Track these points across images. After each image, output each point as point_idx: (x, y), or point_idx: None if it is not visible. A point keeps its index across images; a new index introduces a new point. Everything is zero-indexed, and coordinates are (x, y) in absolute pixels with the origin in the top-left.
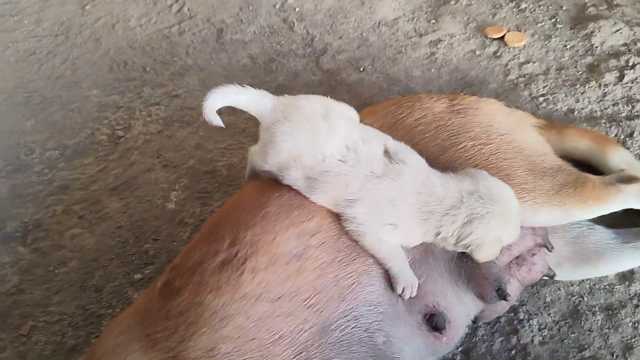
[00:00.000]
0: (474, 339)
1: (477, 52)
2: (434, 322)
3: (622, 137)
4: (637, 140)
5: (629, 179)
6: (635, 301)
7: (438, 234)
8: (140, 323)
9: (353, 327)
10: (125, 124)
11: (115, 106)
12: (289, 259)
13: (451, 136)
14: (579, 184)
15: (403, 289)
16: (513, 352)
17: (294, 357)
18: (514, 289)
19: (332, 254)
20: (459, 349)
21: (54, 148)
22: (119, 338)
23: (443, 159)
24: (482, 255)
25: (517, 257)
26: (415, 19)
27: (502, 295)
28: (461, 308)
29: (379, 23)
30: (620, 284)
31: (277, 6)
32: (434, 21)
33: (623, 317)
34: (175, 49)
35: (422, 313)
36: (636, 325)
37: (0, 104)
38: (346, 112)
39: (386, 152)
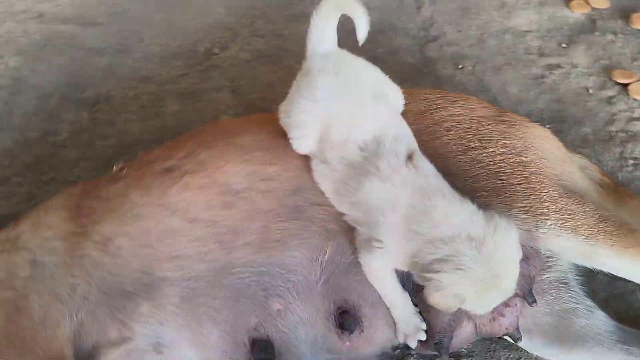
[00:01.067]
0: None
1: (591, 91)
2: (343, 320)
3: None
4: None
5: None
6: None
7: (414, 258)
8: (82, 195)
9: (253, 280)
10: (224, 44)
11: (227, 27)
12: (224, 190)
13: (481, 139)
14: (625, 229)
15: (405, 336)
16: None
17: (181, 281)
18: (465, 334)
19: (272, 205)
20: None
21: (159, 44)
22: (63, 200)
23: (460, 160)
24: (434, 299)
25: None
26: (546, 38)
27: (439, 349)
28: (385, 329)
29: (506, 30)
30: None
31: None
32: (564, 45)
33: None
34: None
35: (337, 305)
36: None
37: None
38: (395, 101)
39: (409, 158)
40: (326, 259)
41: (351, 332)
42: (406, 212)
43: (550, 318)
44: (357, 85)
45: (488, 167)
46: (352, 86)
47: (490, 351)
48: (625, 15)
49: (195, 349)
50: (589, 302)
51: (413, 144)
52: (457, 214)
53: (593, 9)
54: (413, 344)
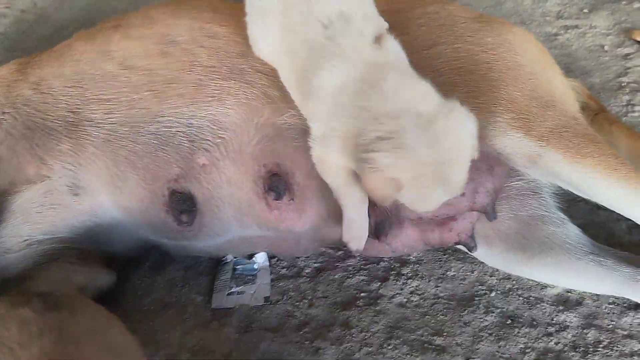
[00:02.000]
0: (338, 264)
1: (607, 49)
2: (272, 184)
3: None
4: None
5: None
6: (552, 330)
7: (357, 138)
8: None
9: (180, 131)
10: None
11: None
12: (165, 40)
13: (451, 35)
14: (588, 138)
15: (348, 237)
16: (363, 294)
17: (106, 124)
18: (408, 239)
19: (213, 62)
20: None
21: None
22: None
23: (425, 54)
24: (368, 183)
25: None
26: (567, 5)
27: (378, 233)
28: (318, 204)
29: None
30: (551, 306)
31: None
32: (586, 11)
33: (518, 336)
34: None
35: (268, 169)
36: (526, 351)
37: None
38: None
39: (377, 39)
40: (262, 121)
41: (280, 197)
42: (355, 87)
43: (514, 223)
44: None
45: (452, 62)
46: None
47: (440, 261)
48: None
49: (111, 194)
50: (561, 214)
51: (384, 25)
52: (409, 90)
53: None
54: (354, 247)
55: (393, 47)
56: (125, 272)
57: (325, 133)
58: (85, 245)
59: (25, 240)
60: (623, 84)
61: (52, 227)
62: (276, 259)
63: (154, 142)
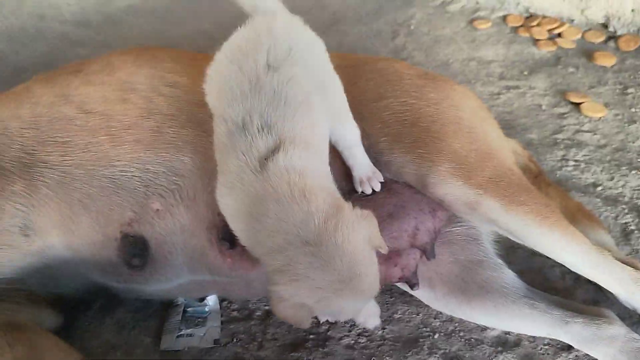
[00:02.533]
0: None
1: (544, 108)
2: (227, 232)
3: (632, 228)
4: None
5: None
6: None
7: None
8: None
9: (136, 176)
10: (203, 50)
11: (209, 37)
12: (125, 87)
13: (398, 90)
14: (521, 188)
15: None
16: (312, 336)
17: (61, 166)
18: None
19: (172, 111)
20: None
21: (140, 44)
22: None
23: (373, 106)
24: (278, 312)
25: None
26: (509, 67)
27: None
28: None
29: (472, 58)
30: (490, 347)
31: (397, 20)
32: (526, 73)
33: None
34: None
35: (222, 217)
36: None
37: None
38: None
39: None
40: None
41: (233, 245)
42: (247, 220)
43: (454, 267)
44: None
45: (398, 115)
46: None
47: (387, 304)
48: (589, 53)
49: (62, 236)
50: (498, 260)
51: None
52: (290, 218)
53: (559, 48)
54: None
55: (280, 165)
56: (73, 313)
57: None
58: (33, 287)
59: None
60: (558, 140)
61: (0, 267)
62: (227, 301)
63: (109, 185)
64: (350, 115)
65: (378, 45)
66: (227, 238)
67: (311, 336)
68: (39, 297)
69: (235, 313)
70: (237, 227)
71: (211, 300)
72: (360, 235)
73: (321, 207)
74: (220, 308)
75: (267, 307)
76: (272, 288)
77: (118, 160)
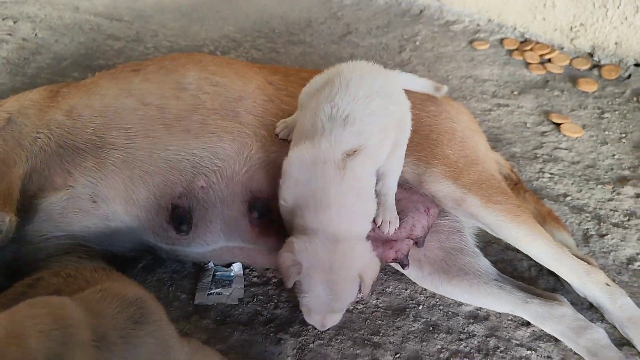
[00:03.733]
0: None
1: (528, 125)
2: (256, 205)
3: (593, 234)
4: (605, 241)
5: (586, 259)
6: (463, 336)
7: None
8: (64, 85)
9: (185, 159)
10: (226, 50)
11: (232, 39)
12: (177, 86)
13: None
14: (500, 190)
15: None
16: None
17: (125, 148)
18: None
19: (215, 105)
20: None
21: (169, 41)
22: (47, 87)
23: None
24: (279, 254)
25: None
26: (502, 86)
27: None
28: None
29: (469, 76)
30: (464, 319)
31: (404, 36)
32: (516, 93)
33: (437, 339)
34: None
35: (253, 194)
36: (442, 350)
37: None
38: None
39: (346, 155)
40: (251, 155)
41: (261, 216)
42: (311, 202)
43: (439, 252)
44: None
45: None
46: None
47: (381, 280)
48: (574, 79)
49: (124, 204)
50: (476, 249)
51: (363, 144)
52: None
53: (548, 72)
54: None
55: (353, 169)
56: (121, 270)
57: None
58: (93, 244)
59: (44, 235)
60: (538, 155)
61: (69, 226)
62: (249, 269)
63: (164, 165)
64: (404, 152)
65: (386, 58)
66: (257, 209)
67: None
68: (96, 253)
69: (255, 279)
70: (291, 190)
71: (236, 267)
72: (360, 264)
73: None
74: (244, 274)
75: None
76: (291, 239)
77: (172, 145)
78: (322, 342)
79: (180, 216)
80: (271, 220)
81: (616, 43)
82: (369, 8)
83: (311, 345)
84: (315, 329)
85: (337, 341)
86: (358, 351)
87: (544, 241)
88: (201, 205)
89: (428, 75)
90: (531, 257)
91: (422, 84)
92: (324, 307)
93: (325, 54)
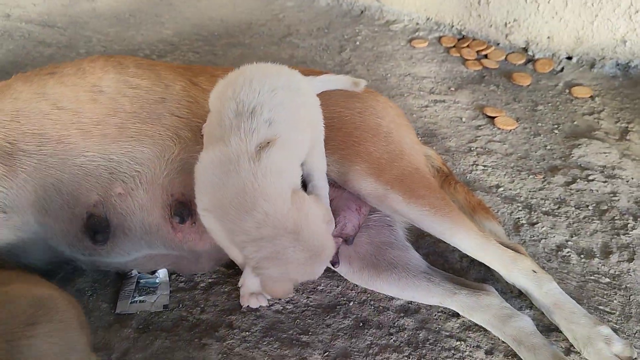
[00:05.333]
0: (229, 279)
1: (464, 120)
2: (178, 210)
3: (524, 222)
4: (535, 230)
5: (514, 247)
6: (393, 331)
7: (242, 251)
8: None
9: (102, 165)
10: (162, 54)
11: (170, 43)
12: (94, 89)
13: (328, 99)
14: (422, 185)
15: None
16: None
17: (38, 155)
18: None
19: (135, 109)
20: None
21: (103, 46)
22: None
23: None
24: (272, 290)
25: None
26: (439, 83)
27: None
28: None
29: (408, 74)
30: (394, 313)
31: (345, 36)
32: (453, 89)
33: (367, 335)
34: None
35: (175, 197)
36: (371, 346)
37: None
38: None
39: (260, 147)
40: (172, 157)
41: (183, 221)
42: (232, 203)
43: (369, 247)
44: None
45: (327, 121)
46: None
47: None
48: (509, 74)
49: (36, 214)
50: (407, 243)
51: (279, 131)
52: (277, 214)
53: (485, 67)
54: (245, 302)
55: (269, 161)
56: None
57: (198, 204)
58: (5, 257)
59: None
60: (472, 148)
61: None
62: (176, 274)
63: (79, 172)
64: (323, 149)
65: (326, 58)
66: (178, 214)
67: None
68: (10, 267)
69: (182, 284)
70: (214, 204)
71: (161, 273)
72: (320, 216)
73: (294, 201)
74: (170, 280)
75: (210, 280)
76: (263, 272)
77: (87, 151)
78: (248, 344)
79: (95, 225)
80: (194, 224)
81: (548, 37)
82: (310, 10)
83: (237, 349)
84: (243, 331)
85: (265, 343)
86: (286, 352)
87: (468, 232)
88: (119, 213)
89: (367, 74)
90: (458, 248)
91: (340, 82)
92: (321, 270)
93: (264, 55)
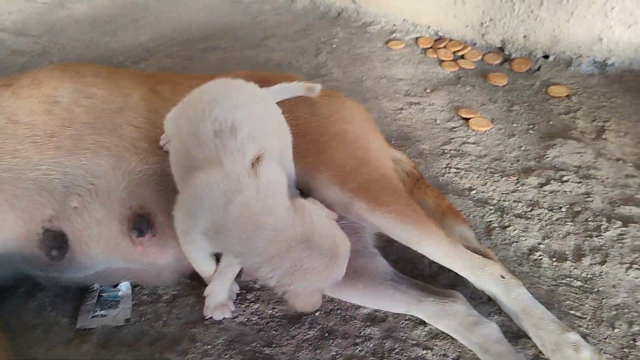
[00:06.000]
0: (192, 291)
1: (438, 122)
2: (137, 223)
3: (496, 226)
4: (507, 233)
5: (484, 252)
6: (358, 340)
7: (257, 273)
8: None
9: (56, 178)
10: (137, 60)
11: (145, 49)
12: (49, 100)
13: (293, 106)
14: (387, 192)
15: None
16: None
17: None
18: None
19: (90, 119)
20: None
21: (77, 54)
22: None
23: None
24: (299, 305)
25: None
26: (415, 85)
27: None
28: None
29: (384, 76)
30: (361, 322)
31: (322, 39)
32: (428, 91)
33: (332, 345)
34: None
35: (133, 210)
36: (336, 357)
37: None
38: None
39: (255, 161)
40: (130, 169)
41: (142, 234)
42: (237, 224)
43: None
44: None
45: (293, 129)
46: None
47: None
48: (485, 74)
49: None
50: (374, 250)
51: (264, 144)
52: (284, 226)
53: (461, 68)
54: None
55: (268, 173)
56: None
57: (191, 227)
58: None
59: None
60: (446, 151)
61: None
62: (139, 287)
63: (33, 187)
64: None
65: (302, 62)
66: (137, 227)
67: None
68: None
69: (145, 297)
70: (214, 228)
71: (124, 286)
72: (323, 216)
73: (295, 209)
74: (133, 293)
75: (174, 292)
76: (287, 289)
77: (41, 165)
78: (210, 359)
79: (51, 241)
80: (154, 237)
81: (524, 36)
82: (288, 13)
83: None
84: (205, 344)
85: (226, 356)
86: None
87: (434, 239)
88: (75, 228)
89: (343, 77)
90: (426, 255)
91: (294, 89)
92: (325, 276)
93: (240, 59)
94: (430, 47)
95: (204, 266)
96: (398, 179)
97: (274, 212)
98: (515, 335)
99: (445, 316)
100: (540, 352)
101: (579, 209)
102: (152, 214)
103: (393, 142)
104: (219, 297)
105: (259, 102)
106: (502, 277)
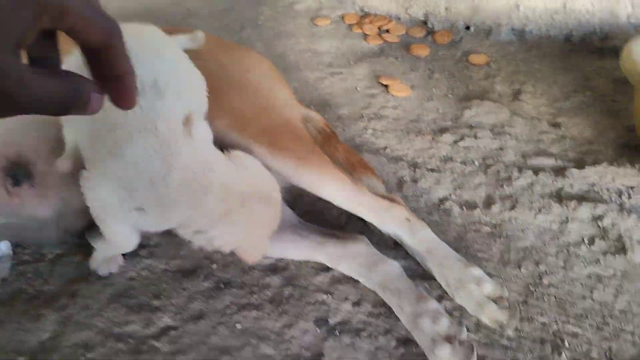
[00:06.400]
0: (79, 249)
1: (359, 89)
2: (12, 171)
3: (407, 179)
4: (418, 186)
5: (390, 198)
6: (255, 289)
7: (206, 230)
8: None
9: None
10: None
11: None
12: None
13: (195, 55)
14: (291, 135)
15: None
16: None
17: None
18: None
19: None
20: None
21: None
22: None
23: None
24: (253, 257)
25: None
26: (339, 57)
27: None
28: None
29: (308, 50)
30: (261, 272)
31: (246, 16)
32: (352, 62)
33: (226, 295)
34: None
35: (9, 159)
36: (230, 306)
37: None
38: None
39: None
40: None
41: (18, 183)
42: (181, 191)
43: None
44: None
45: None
46: None
47: (176, 244)
48: (408, 47)
49: None
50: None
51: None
52: (231, 180)
53: (385, 42)
54: (94, 266)
55: (202, 135)
56: None
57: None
58: None
59: None
60: (364, 115)
61: None
62: (21, 247)
63: None
64: None
65: (224, 38)
66: (11, 175)
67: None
68: None
69: (27, 257)
70: (155, 201)
71: (3, 245)
72: (258, 163)
73: (234, 162)
74: (14, 253)
75: (58, 252)
76: (240, 244)
77: None
78: (90, 312)
79: None
80: (33, 187)
81: (446, 8)
82: None
83: (76, 317)
84: (87, 299)
85: (108, 310)
86: (132, 317)
87: (337, 183)
88: None
89: (267, 51)
90: (329, 200)
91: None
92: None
93: None
94: (356, 23)
95: (126, 242)
96: (305, 130)
97: (216, 168)
98: (422, 278)
99: (346, 257)
100: (444, 292)
101: (492, 162)
102: (30, 162)
103: (313, 109)
104: (106, 251)
105: (174, 52)
106: (408, 220)
